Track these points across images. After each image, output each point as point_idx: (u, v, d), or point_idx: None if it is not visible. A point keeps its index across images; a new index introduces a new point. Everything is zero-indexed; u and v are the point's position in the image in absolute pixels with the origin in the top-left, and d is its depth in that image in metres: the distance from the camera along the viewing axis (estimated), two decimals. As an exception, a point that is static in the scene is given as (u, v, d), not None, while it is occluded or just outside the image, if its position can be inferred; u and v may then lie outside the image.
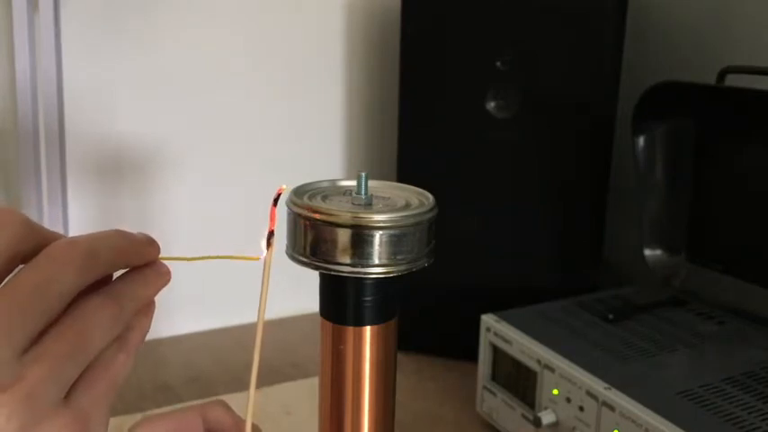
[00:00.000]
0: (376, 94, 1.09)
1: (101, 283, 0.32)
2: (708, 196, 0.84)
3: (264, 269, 0.36)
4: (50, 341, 0.29)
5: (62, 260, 0.30)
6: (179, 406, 0.42)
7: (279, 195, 0.36)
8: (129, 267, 0.35)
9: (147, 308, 0.35)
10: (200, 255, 0.38)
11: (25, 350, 0.29)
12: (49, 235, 0.32)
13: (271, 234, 0.36)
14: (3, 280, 0.30)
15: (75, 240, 0.31)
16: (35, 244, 0.31)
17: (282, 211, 0.38)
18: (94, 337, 0.31)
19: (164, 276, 0.36)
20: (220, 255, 0.37)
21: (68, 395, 0.30)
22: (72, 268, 0.30)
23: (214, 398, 0.42)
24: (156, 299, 0.36)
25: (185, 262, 0.37)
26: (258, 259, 0.37)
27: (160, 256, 0.36)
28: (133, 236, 0.35)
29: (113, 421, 0.70)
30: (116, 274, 0.35)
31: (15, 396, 0.28)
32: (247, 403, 0.39)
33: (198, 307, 1.02)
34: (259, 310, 0.37)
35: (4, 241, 0.30)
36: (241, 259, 0.37)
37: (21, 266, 0.31)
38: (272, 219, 0.36)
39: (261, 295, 0.36)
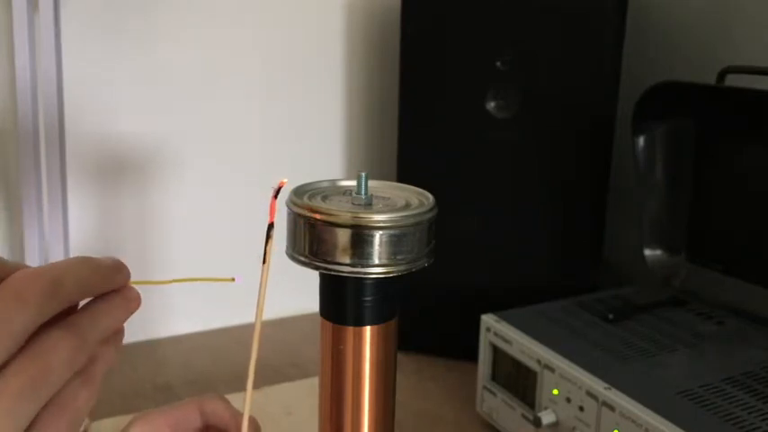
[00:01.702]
0: (376, 94, 1.09)
1: (65, 312, 0.31)
2: (708, 196, 0.84)
3: (264, 264, 0.36)
4: (8, 377, 0.28)
5: (22, 294, 0.29)
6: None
7: (280, 188, 0.36)
8: (95, 296, 0.33)
9: (114, 336, 0.34)
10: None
11: None
12: (11, 266, 0.31)
13: (270, 226, 0.36)
14: None
15: (37, 272, 0.30)
16: None
17: (282, 211, 0.38)
18: (54, 373, 0.30)
19: (132, 302, 0.35)
20: (193, 277, 0.37)
21: (29, 431, 0.30)
22: (33, 302, 0.29)
23: (211, 392, 0.42)
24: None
25: (159, 285, 0.36)
26: (233, 281, 0.37)
27: (131, 280, 0.35)
28: (100, 263, 0.33)
29: (112, 421, 0.71)
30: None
31: None
32: (244, 410, 0.39)
33: (198, 307, 1.02)
34: (258, 303, 0.37)
35: None
36: (216, 281, 0.37)
37: None
38: (272, 211, 0.36)
39: (260, 285, 0.36)
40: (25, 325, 0.29)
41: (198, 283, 0.38)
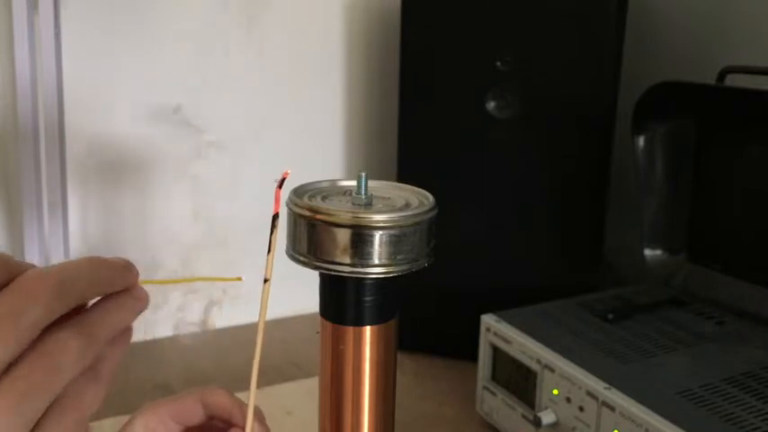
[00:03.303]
0: (376, 94, 1.09)
1: (74, 311, 0.32)
2: (708, 196, 0.84)
3: (269, 254, 0.36)
4: (16, 376, 0.29)
5: (31, 293, 0.30)
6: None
7: (284, 179, 0.36)
8: (104, 295, 0.34)
9: (123, 335, 0.35)
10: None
11: None
12: (21, 266, 0.32)
13: (275, 216, 0.36)
14: None
15: (46, 272, 0.31)
16: (6, 277, 0.31)
17: (283, 211, 0.38)
18: (62, 371, 0.30)
19: (140, 302, 0.35)
20: (200, 277, 0.37)
21: (36, 429, 0.30)
22: (41, 301, 0.30)
23: (213, 384, 0.42)
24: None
25: (169, 284, 0.37)
26: (241, 279, 0.37)
27: (139, 280, 0.35)
28: (108, 263, 0.34)
29: (111, 421, 0.70)
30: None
31: None
32: (248, 401, 0.39)
33: (198, 307, 1.02)
34: (263, 291, 0.37)
35: None
36: (222, 281, 0.37)
37: None
38: (277, 201, 0.36)
39: (266, 269, 0.36)
40: (35, 321, 0.29)
41: (199, 282, 0.38)
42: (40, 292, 0.30)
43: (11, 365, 0.29)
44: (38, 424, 0.30)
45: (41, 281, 0.30)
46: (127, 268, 0.35)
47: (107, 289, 0.34)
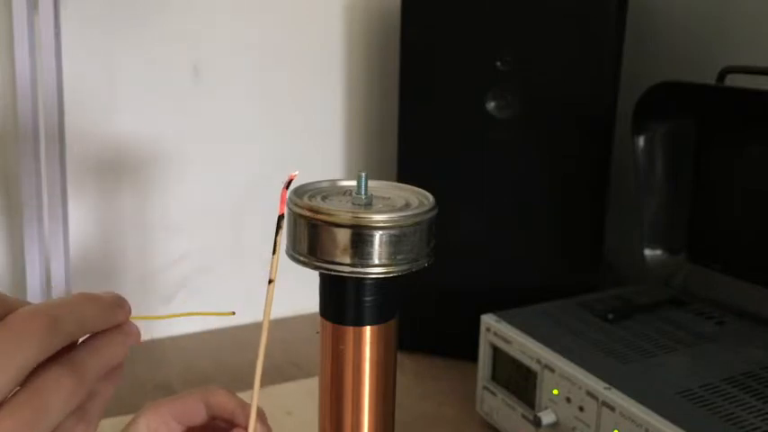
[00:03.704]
0: (376, 94, 1.09)
1: (65, 348, 0.31)
2: (708, 196, 0.84)
3: (274, 255, 0.36)
4: (6, 415, 0.29)
5: (22, 332, 0.29)
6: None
7: (290, 181, 0.36)
8: (95, 332, 0.34)
9: (113, 371, 0.34)
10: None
11: None
12: (12, 303, 0.31)
13: (281, 217, 0.36)
14: None
15: (38, 310, 0.30)
16: None
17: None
18: (52, 412, 0.30)
19: (132, 338, 0.35)
20: (193, 312, 0.37)
21: None
22: (33, 340, 0.29)
23: (213, 384, 0.42)
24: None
25: (158, 320, 0.37)
26: (233, 314, 0.37)
27: (131, 315, 0.35)
28: (101, 300, 0.33)
29: (111, 421, 0.70)
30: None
31: None
32: (250, 401, 0.39)
33: (198, 307, 1.02)
34: (268, 292, 0.37)
35: None
36: (216, 315, 0.37)
37: None
38: (283, 203, 0.36)
39: (271, 270, 0.36)
40: (25, 363, 0.29)
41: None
42: (32, 331, 0.29)
43: (0, 405, 0.29)
44: None
45: (32, 320, 0.30)
46: (118, 305, 0.34)
47: (99, 326, 0.33)
